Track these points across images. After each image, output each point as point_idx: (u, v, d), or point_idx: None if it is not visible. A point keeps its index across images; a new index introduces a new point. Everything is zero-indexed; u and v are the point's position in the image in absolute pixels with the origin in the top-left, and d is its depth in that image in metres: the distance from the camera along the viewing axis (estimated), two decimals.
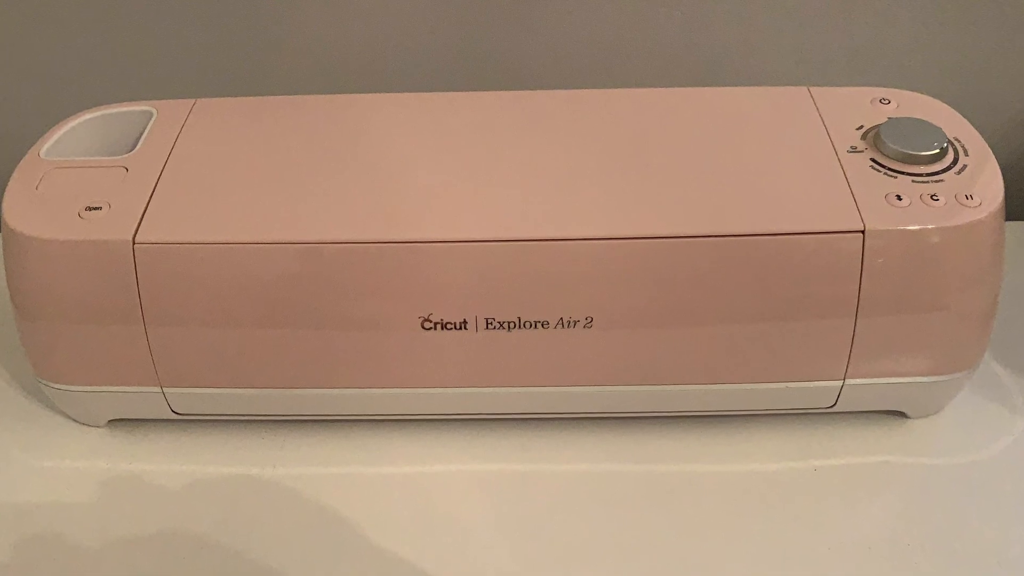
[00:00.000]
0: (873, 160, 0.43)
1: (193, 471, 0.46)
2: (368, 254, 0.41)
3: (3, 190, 0.44)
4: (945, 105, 0.47)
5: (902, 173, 0.43)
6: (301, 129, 0.47)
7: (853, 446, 0.46)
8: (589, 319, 0.42)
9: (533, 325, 0.42)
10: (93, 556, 0.42)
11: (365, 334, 0.42)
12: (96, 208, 0.42)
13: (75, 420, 0.48)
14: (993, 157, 0.44)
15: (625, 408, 0.46)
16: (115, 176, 0.44)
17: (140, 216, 0.42)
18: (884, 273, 0.41)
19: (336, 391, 0.44)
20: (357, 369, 0.43)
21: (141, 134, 0.47)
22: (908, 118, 0.45)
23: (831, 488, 0.44)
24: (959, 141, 0.44)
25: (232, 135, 0.46)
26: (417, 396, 0.44)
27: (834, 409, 0.45)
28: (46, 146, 0.46)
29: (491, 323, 0.42)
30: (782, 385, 0.44)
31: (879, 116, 0.46)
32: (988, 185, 0.42)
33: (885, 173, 0.43)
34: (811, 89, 0.48)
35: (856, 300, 0.41)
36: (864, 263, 0.41)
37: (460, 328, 0.42)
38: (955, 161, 0.43)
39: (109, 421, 0.48)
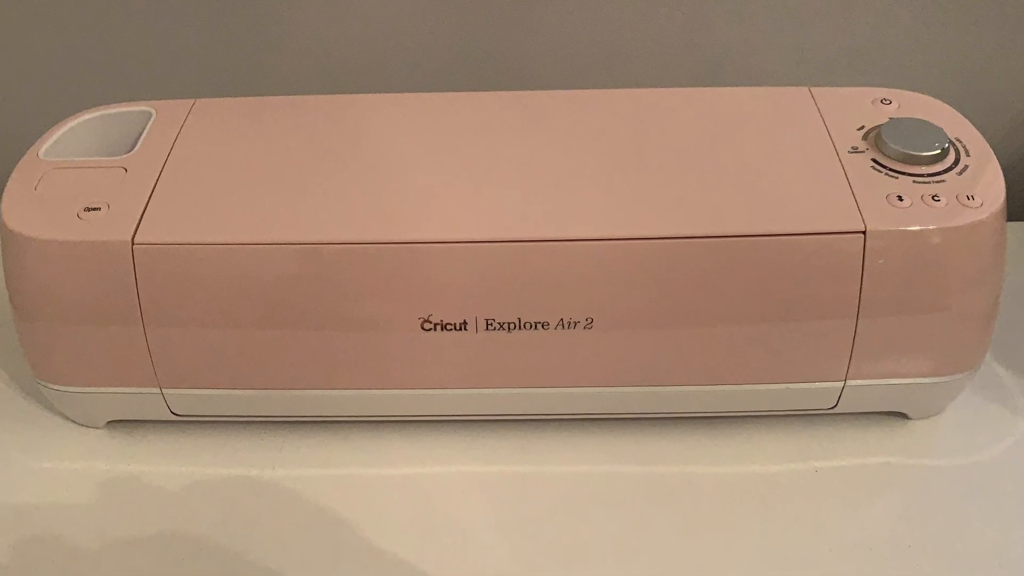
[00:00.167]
0: (874, 160, 0.43)
1: (192, 472, 0.45)
2: (368, 255, 0.41)
3: (2, 190, 0.44)
4: (946, 105, 0.47)
5: (903, 173, 0.43)
6: (301, 129, 0.47)
7: (854, 447, 0.46)
8: (589, 320, 0.42)
9: (533, 326, 0.42)
10: (92, 557, 0.42)
11: (365, 335, 0.42)
12: (95, 209, 0.42)
13: (74, 421, 0.48)
14: (994, 157, 0.44)
15: (625, 409, 0.45)
16: (114, 177, 0.44)
17: (139, 217, 0.42)
18: (885, 274, 0.41)
19: (335, 392, 0.44)
20: (357, 370, 0.43)
21: (140, 134, 0.47)
22: (909, 118, 0.45)
23: (832, 489, 0.44)
24: (960, 141, 0.44)
25: (231, 135, 0.46)
26: (417, 397, 0.44)
27: (835, 410, 0.45)
28: (45, 146, 0.46)
29: (491, 324, 0.42)
30: (783, 386, 0.44)
31: (880, 116, 0.46)
32: (989, 186, 0.42)
33: (886, 173, 0.43)
34: (812, 89, 0.48)
35: (857, 301, 0.41)
36: (865, 264, 0.40)
37: (460, 329, 0.42)
38: (956, 161, 0.43)
39: (108, 422, 0.47)
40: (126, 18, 0.58)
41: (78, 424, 0.48)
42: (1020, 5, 0.57)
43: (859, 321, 0.42)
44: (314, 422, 0.47)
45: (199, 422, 0.47)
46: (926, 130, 0.44)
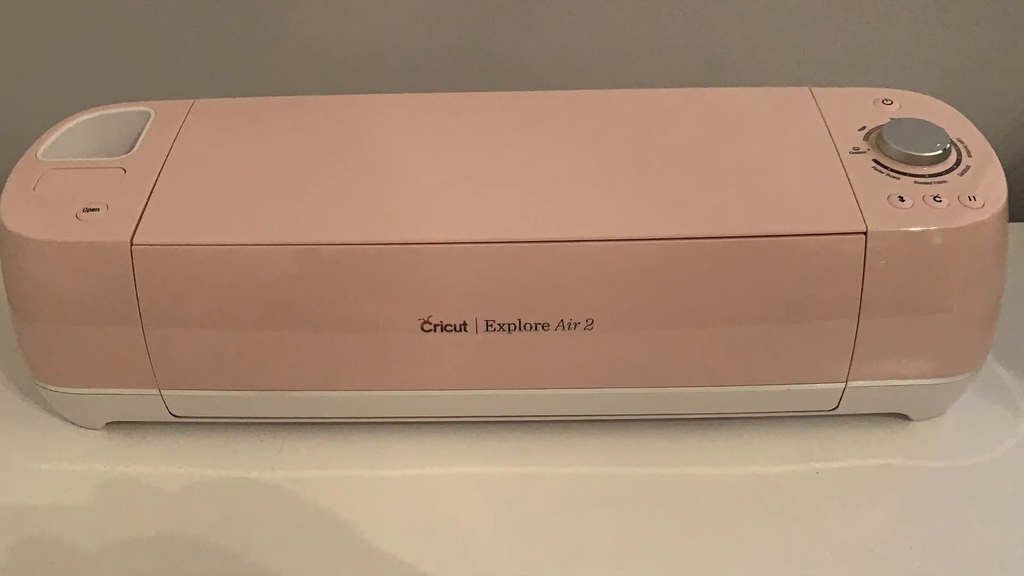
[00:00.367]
0: (875, 161, 0.43)
1: (191, 474, 0.45)
2: (367, 256, 0.41)
3: (0, 191, 0.44)
4: (948, 106, 0.47)
5: (904, 174, 0.42)
6: (300, 130, 0.46)
7: (855, 448, 0.46)
8: (590, 321, 0.42)
9: (533, 327, 0.42)
10: (91, 559, 0.42)
11: (364, 336, 0.42)
12: (94, 209, 0.42)
13: (72, 422, 0.48)
14: (996, 158, 0.44)
15: (626, 410, 0.45)
16: (113, 177, 0.44)
17: (138, 217, 0.42)
18: (886, 275, 0.41)
19: (335, 393, 0.44)
20: (356, 371, 0.43)
21: (139, 135, 0.47)
22: (911, 119, 0.45)
23: (833, 491, 0.44)
24: (962, 142, 0.44)
25: (231, 136, 0.46)
26: (417, 398, 0.44)
27: (836, 411, 0.45)
28: (43, 147, 0.46)
29: (491, 325, 0.42)
30: (784, 387, 0.44)
31: (881, 117, 0.45)
32: (991, 186, 0.42)
33: (887, 174, 0.42)
34: (813, 89, 0.48)
35: (858, 302, 0.41)
36: (866, 265, 0.40)
37: (460, 330, 0.42)
38: (958, 162, 0.43)
39: (107, 423, 0.47)
40: (125, 18, 0.58)
41: (77, 425, 0.48)
42: (1022, 5, 0.57)
43: (860, 322, 0.41)
44: (313, 423, 0.47)
45: (198, 423, 0.47)
46: (927, 130, 0.44)
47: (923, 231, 0.40)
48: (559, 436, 0.46)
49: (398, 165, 0.44)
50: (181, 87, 0.60)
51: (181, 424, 0.47)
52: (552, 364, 0.43)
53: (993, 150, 0.44)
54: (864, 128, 0.45)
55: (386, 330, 0.42)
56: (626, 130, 0.46)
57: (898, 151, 0.43)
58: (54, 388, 0.45)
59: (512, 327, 0.42)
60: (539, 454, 0.46)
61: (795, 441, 0.46)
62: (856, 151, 0.44)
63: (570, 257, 0.41)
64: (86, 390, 0.45)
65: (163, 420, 0.46)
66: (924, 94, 0.48)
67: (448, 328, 0.42)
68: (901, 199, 0.41)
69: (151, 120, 0.47)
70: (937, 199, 0.41)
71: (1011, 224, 0.43)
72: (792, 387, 0.44)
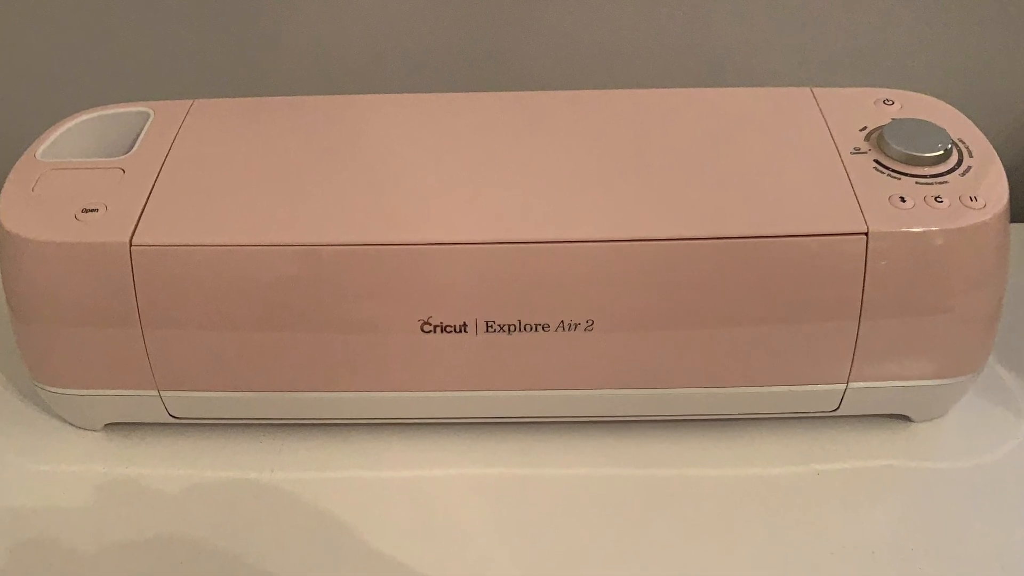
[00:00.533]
0: (876, 161, 0.43)
1: (190, 475, 0.45)
2: (367, 256, 0.41)
3: None
4: (949, 106, 0.47)
5: (906, 175, 0.42)
6: (299, 130, 0.46)
7: (856, 450, 0.45)
8: (590, 322, 0.41)
9: (533, 328, 0.42)
10: (89, 560, 0.42)
11: (364, 337, 0.42)
12: (93, 210, 0.42)
13: (71, 424, 0.48)
14: (998, 158, 0.44)
15: (626, 412, 0.45)
16: (112, 178, 0.44)
17: (137, 218, 0.41)
18: (888, 275, 0.41)
19: (335, 395, 0.44)
20: (356, 372, 0.43)
21: (138, 135, 0.46)
22: (912, 119, 0.45)
23: (834, 492, 0.44)
24: (963, 142, 0.44)
25: (230, 136, 0.46)
26: (416, 400, 0.44)
27: (837, 413, 0.45)
28: (42, 147, 0.46)
29: (491, 326, 0.42)
30: (785, 389, 0.44)
31: (883, 117, 0.45)
32: (993, 187, 0.42)
33: (889, 175, 0.42)
34: (814, 90, 0.48)
35: (859, 303, 0.41)
36: (867, 265, 0.40)
37: (460, 331, 0.42)
38: (959, 163, 0.43)
39: (106, 425, 0.47)
40: (124, 19, 0.58)
41: (75, 427, 0.47)
42: (1022, 5, 0.57)
43: (861, 323, 0.41)
44: (313, 424, 0.47)
45: (197, 424, 0.47)
46: (929, 131, 0.44)
47: (924, 232, 0.40)
48: (559, 437, 0.46)
49: (398, 166, 0.44)
50: (180, 87, 0.60)
51: (180, 425, 0.47)
52: (552, 365, 0.43)
53: (994, 150, 0.44)
54: (865, 128, 0.45)
55: (386, 331, 0.42)
56: (627, 130, 0.46)
57: (899, 151, 0.43)
58: (53, 389, 0.45)
59: (512, 328, 0.42)
60: (539, 455, 0.46)
61: (796, 442, 0.46)
62: (857, 151, 0.44)
63: (570, 258, 0.41)
64: (85, 391, 0.45)
65: (162, 421, 0.46)
66: (925, 94, 0.48)
67: (448, 329, 0.42)
68: (902, 200, 0.41)
69: (150, 120, 0.47)
70: (938, 200, 0.41)
71: (1013, 225, 0.43)
72: (793, 388, 0.44)
